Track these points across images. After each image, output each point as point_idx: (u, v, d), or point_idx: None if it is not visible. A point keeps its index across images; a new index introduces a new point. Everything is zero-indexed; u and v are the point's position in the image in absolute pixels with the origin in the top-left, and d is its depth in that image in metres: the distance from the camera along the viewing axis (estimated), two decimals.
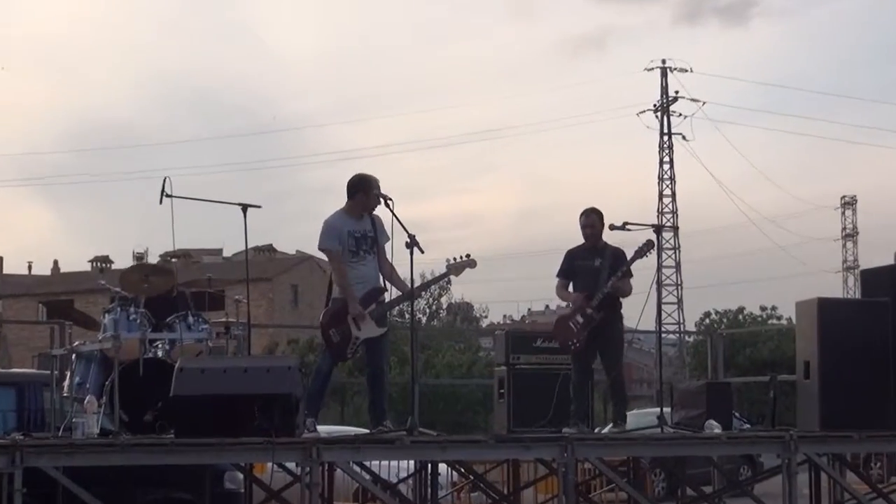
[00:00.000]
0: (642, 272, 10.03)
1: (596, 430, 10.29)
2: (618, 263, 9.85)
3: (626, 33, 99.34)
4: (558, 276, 10.16)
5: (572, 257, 10.08)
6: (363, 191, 9.11)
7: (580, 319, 9.88)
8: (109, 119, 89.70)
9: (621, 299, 9.97)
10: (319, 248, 9.20)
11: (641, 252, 9.79)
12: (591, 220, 9.98)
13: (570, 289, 10.05)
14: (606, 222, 9.92)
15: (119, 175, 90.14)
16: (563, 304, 10.50)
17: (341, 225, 9.11)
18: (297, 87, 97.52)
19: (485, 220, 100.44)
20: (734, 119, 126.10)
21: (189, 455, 7.76)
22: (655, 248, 9.77)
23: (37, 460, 7.28)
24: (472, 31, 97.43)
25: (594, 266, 9.88)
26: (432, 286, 9.49)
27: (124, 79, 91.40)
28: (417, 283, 10.77)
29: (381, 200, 8.97)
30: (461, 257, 9.24)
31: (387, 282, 9.18)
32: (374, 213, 9.14)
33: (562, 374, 10.34)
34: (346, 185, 9.23)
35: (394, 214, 8.92)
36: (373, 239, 9.11)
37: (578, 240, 10.09)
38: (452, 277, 9.25)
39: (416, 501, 10.08)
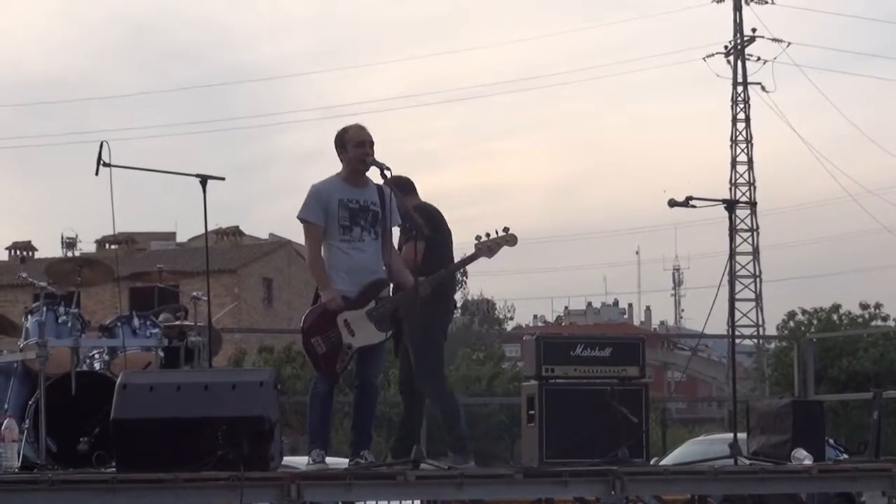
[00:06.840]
0: (712, 260, 9.95)
1: (653, 462, 10.30)
2: None
3: None
4: None
5: None
6: (340, 145, 8.98)
7: None
8: (29, 68, 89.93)
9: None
10: (297, 218, 9.02)
11: None
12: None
13: None
14: (666, 196, 9.70)
15: (42, 139, 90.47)
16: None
17: (330, 190, 8.94)
18: (271, 23, 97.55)
19: (512, 194, 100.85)
20: (828, 64, 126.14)
21: (134, 494, 7.76)
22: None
23: None
24: None
25: None
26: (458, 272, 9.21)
27: (47, 16, 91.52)
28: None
29: (378, 169, 8.86)
30: (495, 233, 9.18)
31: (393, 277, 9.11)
32: (384, 184, 8.98)
33: (609, 390, 10.38)
34: None
35: (391, 187, 8.99)
36: (376, 215, 8.99)
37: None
38: (467, 267, 9.14)
39: None
